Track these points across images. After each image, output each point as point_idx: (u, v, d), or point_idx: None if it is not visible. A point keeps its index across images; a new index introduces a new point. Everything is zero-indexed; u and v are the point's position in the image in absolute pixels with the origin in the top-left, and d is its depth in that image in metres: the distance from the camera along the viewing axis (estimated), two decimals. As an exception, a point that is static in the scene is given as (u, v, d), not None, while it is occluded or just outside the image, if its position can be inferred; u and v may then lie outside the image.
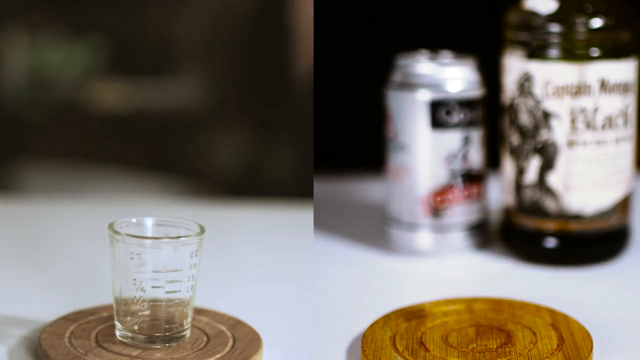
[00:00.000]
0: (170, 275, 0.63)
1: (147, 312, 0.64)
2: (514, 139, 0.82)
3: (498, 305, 0.71)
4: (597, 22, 0.78)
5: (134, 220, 0.65)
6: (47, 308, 0.70)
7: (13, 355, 0.64)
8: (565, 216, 0.80)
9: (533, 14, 0.79)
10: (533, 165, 0.81)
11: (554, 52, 0.79)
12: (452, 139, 0.83)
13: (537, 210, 0.81)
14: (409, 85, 0.83)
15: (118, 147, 1.80)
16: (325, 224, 0.92)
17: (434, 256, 0.84)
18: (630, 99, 0.81)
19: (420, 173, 0.83)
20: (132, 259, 0.63)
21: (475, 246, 0.85)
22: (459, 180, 0.83)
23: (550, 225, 0.81)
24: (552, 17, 0.79)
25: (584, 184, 0.80)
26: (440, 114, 0.82)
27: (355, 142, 1.10)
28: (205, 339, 0.65)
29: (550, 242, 0.81)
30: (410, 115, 0.83)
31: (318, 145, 0.96)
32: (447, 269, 0.83)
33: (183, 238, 0.64)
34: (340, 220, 0.94)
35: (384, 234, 0.87)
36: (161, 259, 0.63)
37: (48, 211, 1.02)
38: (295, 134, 1.75)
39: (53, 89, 1.83)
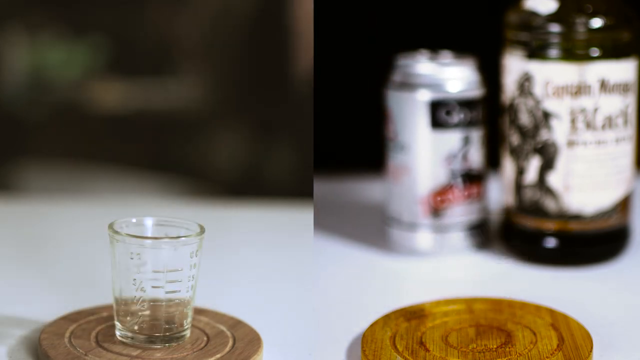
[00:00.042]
0: (170, 275, 0.63)
1: (147, 312, 0.64)
2: (514, 139, 0.82)
3: (498, 305, 0.71)
4: (597, 22, 0.78)
5: (134, 220, 0.65)
6: (47, 308, 0.70)
7: (13, 355, 0.64)
8: (565, 216, 0.80)
9: (533, 14, 0.79)
10: (533, 165, 0.81)
11: (554, 52, 0.79)
12: (452, 139, 0.83)
13: (537, 210, 0.81)
14: (409, 85, 0.83)
15: (118, 147, 1.80)
16: (325, 224, 0.92)
17: (434, 256, 0.84)
18: (630, 99, 0.81)
19: (420, 173, 0.83)
20: (132, 259, 0.63)
21: (475, 246, 0.85)
22: (459, 180, 0.83)
23: (550, 225, 0.81)
24: (552, 17, 0.79)
25: (584, 184, 0.80)
26: (440, 114, 0.82)
27: (355, 142, 1.10)
28: (205, 339, 0.65)
29: (550, 242, 0.81)
30: (410, 115, 0.83)
31: (318, 145, 0.96)
32: (447, 269, 0.83)
33: (183, 238, 0.64)
34: (340, 220, 0.94)
35: (384, 234, 0.87)
36: (161, 259, 0.63)
37: (48, 211, 1.02)
38: (295, 134, 1.75)
39: (53, 89, 1.83)
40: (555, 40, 0.78)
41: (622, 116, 0.80)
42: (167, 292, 0.63)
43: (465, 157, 0.83)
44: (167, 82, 1.84)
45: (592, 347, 0.63)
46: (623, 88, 0.80)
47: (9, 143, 1.76)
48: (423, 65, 0.83)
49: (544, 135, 0.80)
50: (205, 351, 0.64)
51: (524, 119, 0.81)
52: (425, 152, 0.83)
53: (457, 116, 0.82)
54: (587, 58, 0.78)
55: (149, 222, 0.66)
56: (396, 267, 0.83)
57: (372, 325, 0.67)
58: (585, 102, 0.79)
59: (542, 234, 0.81)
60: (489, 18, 0.86)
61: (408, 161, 0.83)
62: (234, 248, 0.90)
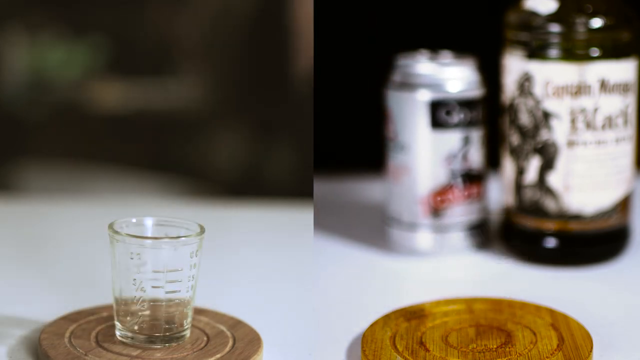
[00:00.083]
0: (170, 275, 0.63)
1: (147, 312, 0.64)
2: (514, 139, 0.82)
3: (498, 305, 0.71)
4: (597, 22, 0.78)
5: (134, 220, 0.65)
6: (47, 308, 0.70)
7: (13, 355, 0.64)
8: (565, 216, 0.80)
9: (533, 14, 0.79)
10: (533, 165, 0.81)
11: (554, 52, 0.79)
12: (452, 139, 0.83)
13: (537, 210, 0.81)
14: (409, 85, 0.83)
15: (118, 147, 1.80)
16: (325, 224, 0.92)
17: (434, 256, 0.84)
18: (630, 99, 0.81)
19: (420, 173, 0.83)
20: (132, 259, 0.63)
21: (475, 246, 0.85)
22: (459, 180, 0.83)
23: (550, 225, 0.81)
24: (552, 17, 0.79)
25: (584, 184, 0.80)
26: (440, 114, 0.82)
27: (355, 142, 1.10)
28: (205, 339, 0.65)
29: (550, 242, 0.81)
30: (410, 115, 0.83)
31: (318, 145, 0.96)
32: (447, 269, 0.83)
33: (183, 238, 0.64)
34: (340, 220, 0.94)
35: (384, 234, 0.87)
36: (161, 259, 0.63)
37: (48, 211, 1.02)
38: (295, 134, 1.75)
39: (53, 89, 1.83)
40: (555, 40, 0.78)
41: (622, 116, 0.80)
42: (167, 292, 0.63)
43: (465, 157, 0.83)
44: (167, 82, 1.84)
45: (592, 347, 0.63)
46: (623, 88, 0.80)
47: (9, 143, 1.76)
48: (423, 65, 0.83)
49: (544, 135, 0.80)
50: (205, 351, 0.64)
51: (524, 119, 0.81)
52: (425, 152, 0.83)
53: (457, 116, 0.82)
54: (587, 58, 0.78)
55: (149, 222, 0.66)
56: (396, 267, 0.83)
57: (372, 325, 0.67)
58: (585, 102, 0.79)
59: (542, 234, 0.81)
60: (489, 18, 0.86)
61: (408, 161, 0.83)
62: (234, 248, 0.90)
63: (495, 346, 0.64)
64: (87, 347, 0.63)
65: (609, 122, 0.79)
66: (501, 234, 0.86)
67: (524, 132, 0.81)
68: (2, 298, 0.74)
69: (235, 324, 0.68)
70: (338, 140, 1.11)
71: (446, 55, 0.84)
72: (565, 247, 0.81)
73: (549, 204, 0.81)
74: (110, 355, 0.62)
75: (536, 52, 0.79)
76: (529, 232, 0.82)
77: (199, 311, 0.69)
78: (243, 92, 1.82)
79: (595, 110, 0.79)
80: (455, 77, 0.82)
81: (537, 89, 0.80)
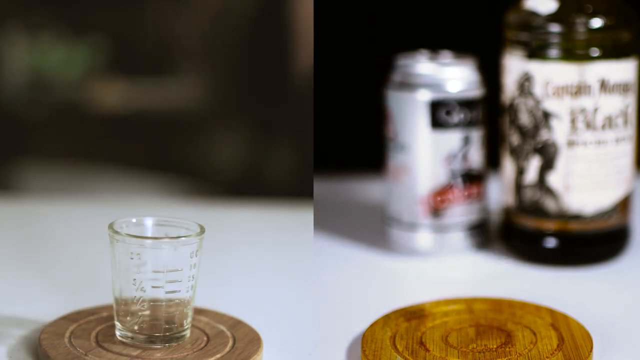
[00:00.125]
0: (170, 275, 0.63)
1: (147, 312, 0.64)
2: (514, 139, 0.82)
3: (498, 305, 0.71)
4: (597, 22, 0.78)
5: (134, 220, 0.65)
6: (47, 308, 0.70)
7: (13, 355, 0.64)
8: (565, 216, 0.80)
9: (533, 14, 0.79)
10: (533, 165, 0.81)
11: (554, 52, 0.79)
12: (452, 139, 0.83)
13: (537, 210, 0.81)
14: (409, 85, 0.83)
15: (118, 147, 1.80)
16: (325, 224, 0.92)
17: (434, 256, 0.84)
18: (630, 99, 0.81)
19: (420, 173, 0.83)
20: (132, 259, 0.63)
21: (475, 246, 0.85)
22: (459, 180, 0.83)
23: (550, 225, 0.81)
24: (552, 17, 0.79)
25: (584, 184, 0.80)
26: (440, 114, 0.82)
27: (355, 142, 1.10)
28: (205, 339, 0.65)
29: (550, 242, 0.81)
30: (410, 115, 0.83)
31: (318, 145, 0.96)
32: (447, 269, 0.83)
33: (183, 238, 0.64)
34: (340, 220, 0.94)
35: (384, 234, 0.87)
36: (161, 259, 0.63)
37: (48, 211, 1.02)
38: (295, 134, 1.75)
39: (53, 89, 1.83)
40: (555, 40, 0.78)
41: (622, 116, 0.80)
42: (167, 292, 0.63)
43: (465, 157, 0.83)
44: (167, 82, 1.84)
45: (592, 347, 0.63)
46: (623, 88, 0.80)
47: (9, 143, 1.76)
48: (423, 65, 0.83)
49: (544, 135, 0.80)
50: (205, 351, 0.64)
51: (524, 119, 0.81)
52: (425, 152, 0.83)
53: (457, 116, 0.82)
54: (587, 58, 0.78)
55: (149, 222, 0.66)
56: (396, 267, 0.83)
57: (372, 325, 0.67)
58: (585, 102, 0.79)
59: (542, 234, 0.81)
60: (489, 18, 0.86)
61: (408, 161, 0.83)
62: (234, 248, 0.90)
63: (495, 346, 0.64)
64: (87, 347, 0.63)
65: (609, 122, 0.79)
66: (501, 234, 0.86)
67: (524, 132, 0.81)
68: (2, 298, 0.74)
69: (235, 324, 0.68)
70: (338, 140, 1.11)
71: (446, 55, 0.84)
72: (565, 247, 0.81)
73: (549, 204, 0.81)
74: (110, 355, 0.62)
75: (536, 52, 0.79)
76: (529, 232, 0.82)
77: (199, 311, 0.69)
78: (243, 92, 1.82)
79: (595, 110, 0.79)
80: (455, 77, 0.82)
81: (537, 89, 0.80)
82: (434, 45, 0.85)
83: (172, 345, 0.64)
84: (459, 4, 1.10)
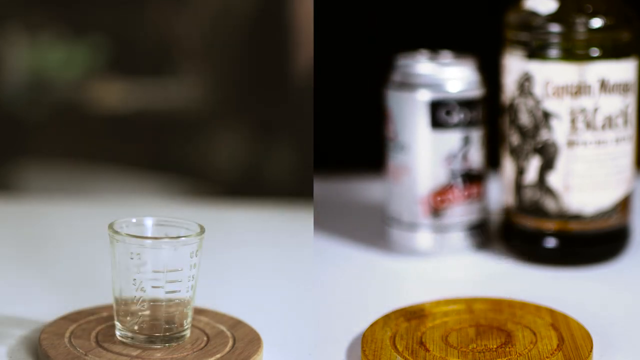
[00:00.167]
0: (170, 275, 0.63)
1: (147, 312, 0.64)
2: (514, 139, 0.82)
3: (498, 305, 0.71)
4: (597, 22, 0.78)
5: (134, 220, 0.65)
6: (47, 308, 0.70)
7: (13, 355, 0.64)
8: (565, 216, 0.80)
9: (533, 14, 0.79)
10: (533, 165, 0.81)
11: (554, 52, 0.79)
12: (452, 139, 0.83)
13: (537, 210, 0.81)
14: (409, 85, 0.83)
15: (118, 147, 1.80)
16: (325, 224, 0.92)
17: (434, 256, 0.84)
18: (630, 99, 0.81)
19: (420, 173, 0.83)
20: (132, 259, 0.63)
21: (475, 246, 0.85)
22: (459, 180, 0.83)
23: (550, 225, 0.81)
24: (552, 17, 0.79)
25: (584, 184, 0.80)
26: (440, 114, 0.82)
27: (355, 142, 1.10)
28: (205, 339, 0.65)
29: (550, 242, 0.81)
30: (410, 115, 0.83)
31: (318, 145, 0.96)
32: (447, 269, 0.83)
33: (183, 238, 0.64)
34: (340, 220, 0.94)
35: (384, 234, 0.87)
36: (161, 259, 0.63)
37: (48, 211, 1.02)
38: (295, 134, 1.75)
39: (53, 89, 1.82)
40: (555, 40, 0.78)
41: (622, 116, 0.80)
42: (167, 292, 0.63)
43: (465, 157, 0.83)
44: (167, 82, 1.84)
45: (592, 347, 0.63)
46: (623, 88, 0.80)
47: (9, 143, 1.76)
48: (423, 65, 0.83)
49: (544, 135, 0.80)
50: (205, 351, 0.64)
51: (524, 119, 0.81)
52: (425, 152, 0.83)
53: (457, 116, 0.82)
54: (587, 58, 0.78)
55: (149, 222, 0.66)
56: (396, 267, 0.83)
57: (372, 325, 0.67)
58: (585, 102, 0.79)
59: (542, 234, 0.81)
60: (489, 18, 0.86)
61: (408, 161, 0.83)
62: (234, 248, 0.90)
63: (495, 346, 0.64)
64: (87, 347, 0.63)
65: (609, 122, 0.79)
66: (501, 234, 0.86)
67: (524, 132, 0.81)
68: (2, 298, 0.74)
69: (235, 324, 0.68)
70: (338, 140, 1.11)
71: (446, 55, 0.84)
72: (565, 247, 0.81)
73: (549, 204, 0.81)
74: (110, 355, 0.62)
75: (536, 52, 0.79)
76: (529, 232, 0.82)
77: (199, 311, 0.69)
78: (243, 92, 1.82)
79: (595, 110, 0.79)
80: (455, 77, 0.82)
81: (537, 89, 0.80)
82: (434, 45, 0.85)
83: (172, 345, 0.64)
84: (459, 4, 1.10)
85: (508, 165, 0.83)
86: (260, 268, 0.86)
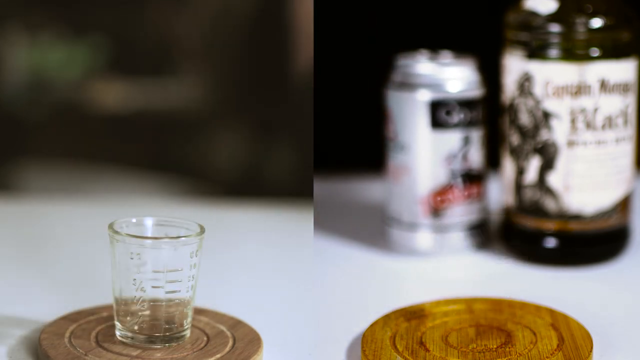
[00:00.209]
0: (170, 275, 0.63)
1: (147, 312, 0.64)
2: (514, 139, 0.82)
3: (498, 305, 0.71)
4: (597, 22, 0.78)
5: (134, 220, 0.65)
6: (47, 308, 0.70)
7: (13, 355, 0.64)
8: (565, 216, 0.80)
9: (533, 14, 0.79)
10: (533, 165, 0.81)
11: (554, 52, 0.79)
12: (452, 139, 0.83)
13: (537, 210, 0.81)
14: (409, 85, 0.83)
15: (118, 147, 1.80)
16: (325, 224, 0.92)
17: (434, 256, 0.84)
18: (630, 99, 0.81)
19: (420, 173, 0.83)
20: (132, 259, 0.63)
21: (475, 246, 0.85)
22: (459, 180, 0.83)
23: (550, 225, 0.81)
24: (552, 17, 0.79)
25: (584, 184, 0.80)
26: (440, 114, 0.82)
27: (355, 142, 1.10)
28: (205, 339, 0.65)
29: (550, 242, 0.81)
30: (410, 115, 0.83)
31: (318, 145, 0.96)
32: (447, 269, 0.83)
33: (183, 238, 0.64)
34: (340, 220, 0.94)
35: (384, 234, 0.87)
36: (161, 259, 0.63)
37: (48, 211, 1.02)
38: (295, 134, 1.75)
39: (53, 89, 1.82)
40: (555, 40, 0.78)
41: (622, 116, 0.80)
42: (167, 292, 0.63)
43: (465, 157, 0.83)
44: (167, 82, 1.84)
45: (592, 347, 0.63)
46: (623, 88, 0.80)
47: (9, 143, 1.76)
48: (423, 65, 0.83)
49: (544, 135, 0.80)
50: (205, 351, 0.64)
51: (524, 119, 0.81)
52: (425, 152, 0.83)
53: (457, 116, 0.82)
54: (587, 58, 0.78)
55: (149, 222, 0.66)
56: (396, 267, 0.83)
57: (372, 325, 0.67)
58: (585, 102, 0.79)
59: (542, 234, 0.81)
60: (489, 18, 0.86)
61: (408, 161, 0.83)
62: (234, 248, 0.90)
63: (495, 346, 0.64)
64: (87, 347, 0.63)
65: (609, 122, 0.79)
66: (501, 234, 0.86)
67: (524, 132, 0.81)
68: (2, 298, 0.74)
69: (235, 324, 0.68)
70: (338, 140, 1.11)
71: (446, 55, 0.84)
72: (565, 247, 0.81)
73: (549, 204, 0.81)
74: (110, 355, 0.62)
75: (536, 52, 0.79)
76: (529, 232, 0.82)
77: (199, 311, 0.69)
78: (243, 92, 1.82)
79: (595, 110, 0.79)
80: (455, 77, 0.82)
81: (537, 89, 0.80)
82: (434, 45, 0.85)
83: (172, 345, 0.64)
84: (459, 4, 1.10)
85: (508, 165, 0.83)
86: (260, 268, 0.86)
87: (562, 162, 0.80)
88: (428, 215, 0.84)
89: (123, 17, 1.83)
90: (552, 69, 0.79)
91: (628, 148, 0.81)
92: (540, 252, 0.82)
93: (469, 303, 0.71)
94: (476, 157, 0.84)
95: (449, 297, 0.72)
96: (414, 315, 0.69)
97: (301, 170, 1.65)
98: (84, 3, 1.84)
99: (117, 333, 0.64)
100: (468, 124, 0.83)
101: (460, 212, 0.84)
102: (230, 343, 0.65)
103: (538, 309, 0.70)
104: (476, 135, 0.83)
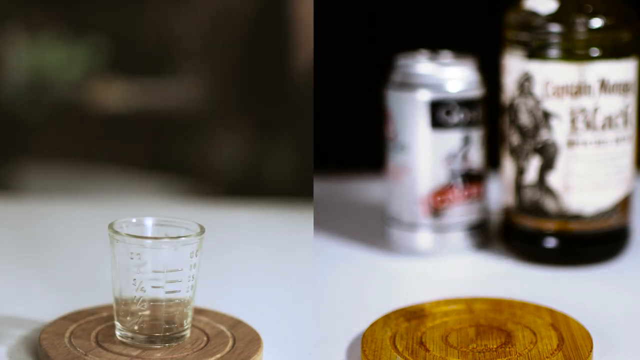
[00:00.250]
0: (170, 275, 0.63)
1: (147, 312, 0.64)
2: (514, 139, 0.82)
3: (498, 305, 0.71)
4: (597, 22, 0.78)
5: (134, 220, 0.65)
6: (47, 308, 0.70)
7: (13, 355, 0.64)
8: (565, 216, 0.80)
9: (533, 14, 0.79)
10: (533, 165, 0.81)
11: (554, 52, 0.79)
12: (452, 139, 0.83)
13: (537, 210, 0.81)
14: (409, 85, 0.83)
15: (118, 147, 1.80)
16: (325, 224, 0.92)
17: (434, 256, 0.84)
18: (630, 99, 0.81)
19: (420, 173, 0.83)
20: (132, 259, 0.63)
21: (475, 246, 0.85)
22: (459, 180, 0.83)
23: (550, 225, 0.81)
24: (552, 17, 0.79)
25: (584, 184, 0.80)
26: (440, 114, 0.82)
27: (355, 142, 1.10)
28: (205, 339, 0.65)
29: (550, 242, 0.81)
30: (410, 115, 0.83)
31: (318, 145, 0.96)
32: (447, 269, 0.83)
33: (183, 238, 0.64)
34: (340, 220, 0.94)
35: (384, 234, 0.87)
36: (161, 259, 0.63)
37: (48, 211, 1.02)
38: (295, 134, 1.75)
39: (53, 89, 1.82)
40: (555, 40, 0.78)
41: (622, 116, 0.80)
42: (167, 292, 0.63)
43: (465, 157, 0.83)
44: (167, 82, 1.84)
45: (592, 347, 0.63)
46: (623, 88, 0.80)
47: (9, 143, 1.76)
48: (423, 65, 0.83)
49: (544, 135, 0.80)
50: (205, 351, 0.64)
51: (524, 119, 0.81)
52: (425, 152, 0.83)
53: (457, 116, 0.82)
54: (587, 58, 0.78)
55: (149, 222, 0.66)
56: (396, 267, 0.83)
57: (372, 325, 0.67)
58: (585, 102, 0.79)
59: (542, 234, 0.81)
60: (489, 18, 0.86)
61: (408, 161, 0.83)
62: (234, 248, 0.90)
63: (495, 346, 0.64)
64: (87, 347, 0.63)
65: (609, 122, 0.79)
66: (501, 234, 0.86)
67: (524, 132, 0.81)
68: (2, 298, 0.74)
69: (235, 324, 0.68)
70: (338, 140, 1.11)
71: (446, 55, 0.84)
72: (565, 247, 0.81)
73: (549, 204, 0.81)
74: (110, 355, 0.62)
75: (536, 52, 0.79)
76: (529, 232, 0.82)
77: (199, 311, 0.69)
78: (243, 92, 1.82)
79: (595, 110, 0.79)
80: (455, 77, 0.82)
81: (537, 89, 0.80)
82: (434, 45, 0.85)
83: (172, 345, 0.64)
84: (459, 4, 1.10)
85: (508, 165, 0.83)
86: (260, 268, 0.86)
87: (562, 162, 0.80)
88: (428, 215, 0.84)
89: (123, 17, 1.83)
90: (552, 69, 0.79)
91: (628, 148, 0.81)
92: (540, 252, 0.82)
93: (469, 303, 0.71)
94: (476, 157, 0.84)
95: (449, 297, 0.72)
96: (414, 315, 0.69)
97: (301, 170, 1.65)
98: (84, 3, 1.84)
99: (117, 333, 0.64)
100: (468, 124, 0.83)
101: (460, 212, 0.84)
102: (230, 343, 0.65)
103: (538, 309, 0.70)
104: (476, 135, 0.83)
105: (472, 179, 0.84)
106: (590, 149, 0.79)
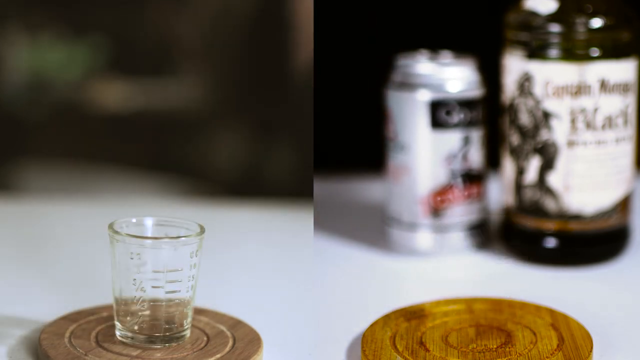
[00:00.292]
0: (170, 275, 0.63)
1: (147, 312, 0.64)
2: (514, 139, 0.82)
3: (498, 305, 0.71)
4: (597, 22, 0.78)
5: (134, 220, 0.65)
6: (47, 308, 0.70)
7: (13, 355, 0.64)
8: (565, 216, 0.80)
9: (533, 14, 0.79)
10: (533, 165, 0.81)
11: (554, 52, 0.79)
12: (452, 139, 0.83)
13: (537, 210, 0.81)
14: (409, 85, 0.83)
15: (118, 147, 1.80)
16: (325, 224, 0.92)
17: (434, 256, 0.84)
18: (630, 99, 0.81)
19: (420, 173, 0.83)
20: (132, 259, 0.63)
21: (475, 246, 0.85)
22: (459, 180, 0.83)
23: (550, 225, 0.81)
24: (552, 17, 0.79)
25: (584, 184, 0.80)
26: (440, 114, 0.82)
27: (355, 142, 1.10)
28: (205, 339, 0.65)
29: (550, 242, 0.81)
30: (410, 115, 0.83)
31: (318, 145, 0.96)
32: (447, 269, 0.83)
33: (183, 238, 0.64)
34: (340, 220, 0.94)
35: (384, 234, 0.87)
36: (161, 259, 0.63)
37: (48, 211, 1.02)
38: (295, 134, 1.75)
39: (53, 89, 1.82)
40: (555, 40, 0.78)
41: (622, 116, 0.80)
42: (167, 292, 0.63)
43: (465, 157, 0.83)
44: (167, 82, 1.84)
45: (592, 347, 0.63)
46: (623, 88, 0.80)
47: (9, 143, 1.76)
48: (423, 65, 0.83)
49: (544, 135, 0.80)
50: (205, 351, 0.64)
51: (524, 119, 0.81)
52: (425, 152, 0.83)
53: (457, 116, 0.82)
54: (587, 58, 0.78)
55: (149, 222, 0.66)
56: (396, 267, 0.83)
57: (372, 325, 0.67)
58: (585, 102, 0.79)
59: (542, 234, 0.81)
60: (489, 18, 0.86)
61: (408, 161, 0.83)
62: (234, 248, 0.90)
63: (495, 346, 0.64)
64: (87, 347, 0.63)
65: (609, 122, 0.79)
66: (501, 234, 0.86)
67: (524, 132, 0.81)
68: (2, 298, 0.74)
69: (235, 324, 0.68)
70: (338, 140, 1.11)
71: (446, 55, 0.84)
72: (565, 247, 0.81)
73: (549, 204, 0.81)
74: (110, 355, 0.62)
75: (536, 52, 0.79)
76: (529, 232, 0.82)
77: (199, 311, 0.69)
78: (243, 92, 1.82)
79: (595, 110, 0.79)
80: (455, 77, 0.82)
81: (537, 89, 0.80)
82: (434, 45, 0.85)
83: (172, 345, 0.64)
84: (459, 4, 1.10)
85: (508, 165, 0.83)
86: (260, 268, 0.86)
87: (562, 162, 0.80)
88: (428, 215, 0.84)
89: (123, 17, 1.83)
90: (552, 69, 0.79)
91: (628, 148, 0.81)
92: (540, 252, 0.82)
93: (469, 303, 0.71)
94: (476, 157, 0.84)
95: (449, 297, 0.72)
96: (414, 315, 0.69)
97: (301, 170, 1.65)
98: (84, 3, 1.84)
99: (117, 333, 0.64)
100: (468, 124, 0.83)
101: (460, 212, 0.84)
102: (230, 343, 0.65)
103: (538, 309, 0.70)
104: (476, 135, 0.83)
105: (472, 179, 0.84)
106: (590, 149, 0.79)
